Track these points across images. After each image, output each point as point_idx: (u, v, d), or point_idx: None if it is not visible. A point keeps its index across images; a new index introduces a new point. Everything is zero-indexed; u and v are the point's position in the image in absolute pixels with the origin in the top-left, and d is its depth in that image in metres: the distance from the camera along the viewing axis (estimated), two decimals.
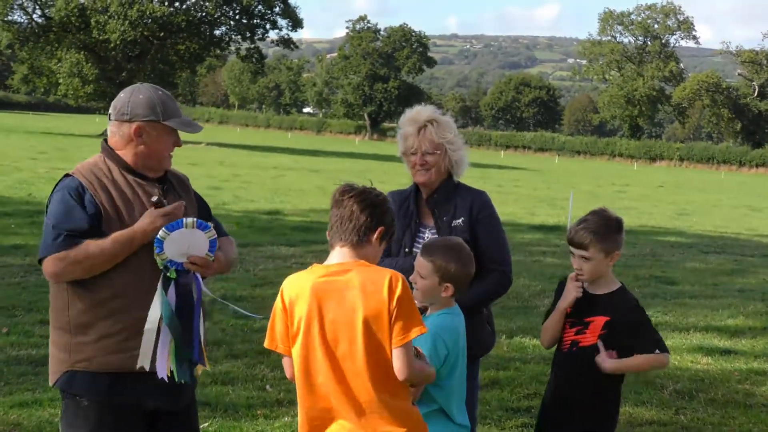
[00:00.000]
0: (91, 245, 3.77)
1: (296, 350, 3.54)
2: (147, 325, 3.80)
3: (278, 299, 3.58)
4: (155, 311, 3.81)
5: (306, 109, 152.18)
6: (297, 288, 3.54)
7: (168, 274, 3.84)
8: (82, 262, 3.78)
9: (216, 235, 3.97)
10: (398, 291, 3.42)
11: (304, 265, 13.67)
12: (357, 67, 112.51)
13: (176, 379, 3.87)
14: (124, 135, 3.98)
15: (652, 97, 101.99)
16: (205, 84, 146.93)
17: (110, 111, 4.05)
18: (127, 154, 4.00)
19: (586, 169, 63.64)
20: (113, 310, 3.85)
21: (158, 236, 3.78)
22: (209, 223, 3.95)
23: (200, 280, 3.91)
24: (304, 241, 15.72)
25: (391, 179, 34.53)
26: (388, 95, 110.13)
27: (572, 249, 4.51)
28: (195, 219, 3.89)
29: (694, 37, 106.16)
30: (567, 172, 55.28)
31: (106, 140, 4.08)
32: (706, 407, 7.64)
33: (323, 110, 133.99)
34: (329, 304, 3.48)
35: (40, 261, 3.86)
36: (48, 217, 3.90)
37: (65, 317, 3.90)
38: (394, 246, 4.79)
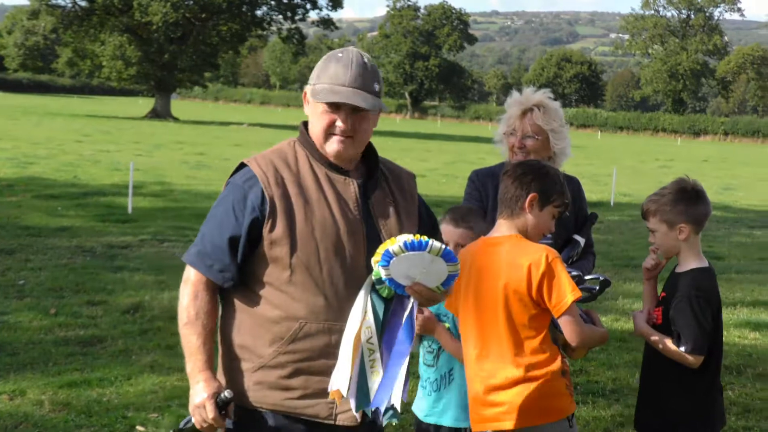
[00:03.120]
0: (193, 306, 3.11)
1: (459, 310, 3.88)
2: (343, 341, 3.01)
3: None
4: (354, 322, 3.00)
5: None
6: (466, 254, 3.82)
7: (379, 289, 3.05)
8: (179, 303, 3.18)
9: (458, 271, 3.07)
10: (542, 266, 3.58)
11: None
12: (397, 46, 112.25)
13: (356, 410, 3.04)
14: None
15: (695, 71, 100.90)
16: (246, 65, 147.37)
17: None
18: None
19: (629, 145, 63.05)
20: (277, 336, 3.09)
21: (391, 249, 2.93)
22: (457, 257, 3.06)
23: (415, 308, 3.07)
24: None
25: (434, 157, 34.48)
26: (429, 73, 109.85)
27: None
28: (443, 246, 2.98)
29: (739, 10, 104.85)
30: (610, 148, 54.82)
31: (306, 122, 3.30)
32: (755, 382, 7.57)
33: None
34: (482, 273, 3.73)
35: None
36: (208, 215, 3.23)
37: (225, 331, 3.22)
38: (490, 225, 4.80)
